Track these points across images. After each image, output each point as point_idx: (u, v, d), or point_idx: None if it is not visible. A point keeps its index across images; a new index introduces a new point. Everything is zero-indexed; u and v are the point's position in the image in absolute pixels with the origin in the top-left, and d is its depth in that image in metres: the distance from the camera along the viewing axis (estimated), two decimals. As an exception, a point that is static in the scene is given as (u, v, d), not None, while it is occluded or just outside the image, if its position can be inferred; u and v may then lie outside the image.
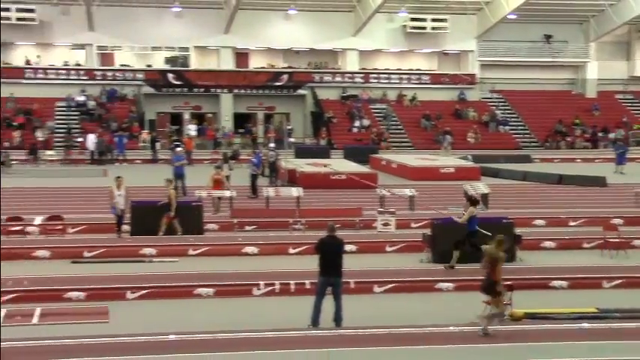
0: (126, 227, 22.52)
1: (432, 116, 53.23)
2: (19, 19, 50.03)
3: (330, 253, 14.45)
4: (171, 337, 13.40)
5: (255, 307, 16.21)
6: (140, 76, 52.39)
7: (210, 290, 16.94)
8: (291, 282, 17.30)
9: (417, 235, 21.55)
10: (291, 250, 21.00)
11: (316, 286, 14.64)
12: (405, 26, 55.24)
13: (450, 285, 17.72)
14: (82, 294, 16.39)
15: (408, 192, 27.68)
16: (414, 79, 56.29)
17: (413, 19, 55.00)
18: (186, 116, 53.33)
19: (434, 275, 18.37)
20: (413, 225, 24.53)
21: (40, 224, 23.11)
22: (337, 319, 14.34)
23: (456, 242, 18.77)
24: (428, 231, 20.83)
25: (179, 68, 53.57)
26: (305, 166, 34.87)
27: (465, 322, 14.33)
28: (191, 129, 50.12)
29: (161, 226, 22.04)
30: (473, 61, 57.12)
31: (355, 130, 51.59)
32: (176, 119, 53.23)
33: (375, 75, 55.96)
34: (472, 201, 19.69)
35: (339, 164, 36.73)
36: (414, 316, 15.30)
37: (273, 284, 17.25)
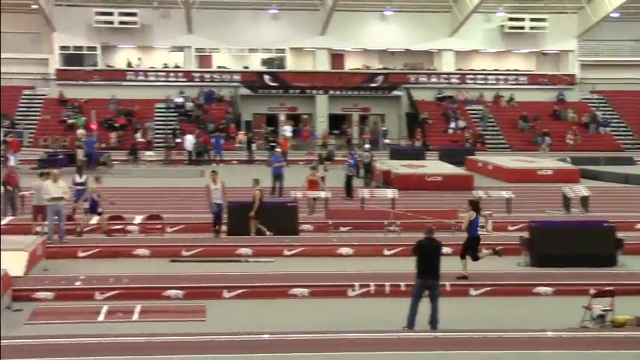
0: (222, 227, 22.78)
1: (530, 117, 52.34)
2: (121, 22, 51.42)
3: (428, 255, 14.33)
4: (266, 336, 13.48)
5: (349, 309, 16.17)
6: (237, 77, 53.10)
7: (305, 291, 16.98)
8: (386, 284, 17.20)
9: (514, 238, 21.17)
10: (386, 252, 20.89)
11: (413, 288, 14.53)
12: (502, 26, 54.52)
13: (549, 289, 17.33)
14: (180, 292, 16.65)
15: (504, 194, 27.25)
16: (512, 79, 55.48)
17: (511, 19, 54.27)
18: (282, 117, 53.79)
19: (532, 279, 18.00)
20: (510, 228, 24.12)
21: (140, 223, 23.60)
22: (433, 322, 14.20)
23: (462, 252, 18.05)
24: (525, 234, 20.46)
25: (275, 70, 54.08)
26: (400, 167, 34.70)
27: (563, 327, 14.01)
28: (286, 130, 50.49)
29: (251, 226, 22.22)
30: (573, 61, 55.95)
31: (451, 131, 51.12)
32: (272, 120, 53.75)
33: (471, 76, 55.38)
34: (473, 205, 19.03)
35: (435, 166, 36.44)
36: (510, 321, 15.03)
37: (368, 286, 17.18)
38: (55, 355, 12.63)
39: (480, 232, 18.49)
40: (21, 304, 15.85)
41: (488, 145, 49.48)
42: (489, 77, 55.48)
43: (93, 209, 22.79)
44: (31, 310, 15.61)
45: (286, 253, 20.78)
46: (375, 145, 47.06)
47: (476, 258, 17.87)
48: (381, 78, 53.72)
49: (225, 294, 16.78)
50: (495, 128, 52.06)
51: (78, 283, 16.98)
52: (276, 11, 52.92)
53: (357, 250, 21.01)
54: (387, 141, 50.09)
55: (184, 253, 20.59)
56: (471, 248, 17.96)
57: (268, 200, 26.60)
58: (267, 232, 22.13)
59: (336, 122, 53.80)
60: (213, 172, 23.16)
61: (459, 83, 54.92)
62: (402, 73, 54.61)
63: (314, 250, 20.96)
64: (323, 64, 54.50)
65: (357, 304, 16.54)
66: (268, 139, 47.75)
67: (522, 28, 54.34)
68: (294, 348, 12.96)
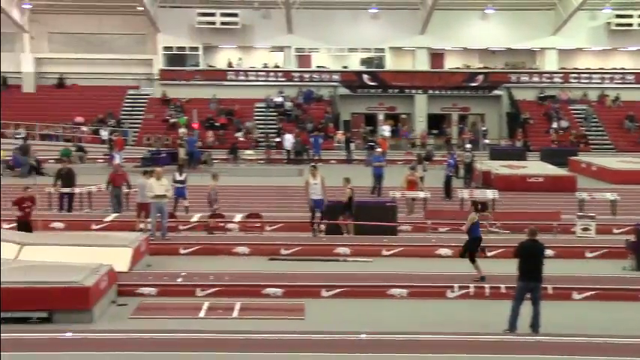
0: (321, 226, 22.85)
1: (637, 117, 50.82)
2: (223, 23, 52.16)
3: (530, 257, 14.07)
4: (363, 336, 13.47)
5: (448, 310, 16.02)
6: (336, 77, 53.21)
7: (404, 291, 16.90)
8: (486, 285, 16.98)
9: (620, 242, 20.61)
10: (487, 253, 20.60)
11: (514, 290, 14.29)
12: (609, 23, 53.10)
13: (657, 295, 16.82)
14: (279, 290, 16.78)
15: (609, 196, 26.55)
16: (617, 78, 53.94)
17: (618, 16, 52.78)
18: (381, 117, 53.66)
19: (638, 284, 17.48)
20: (615, 231, 23.49)
21: (239, 221, 23.89)
22: (534, 325, 13.94)
23: (470, 256, 17.65)
24: (631, 237, 19.89)
25: (374, 69, 53.98)
26: (500, 168, 34.19)
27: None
28: (385, 130, 50.33)
29: (343, 226, 22.22)
30: (684, 58, 54.09)
31: (553, 131, 50.06)
32: (370, 120, 53.67)
33: (575, 75, 54.08)
34: (475, 206, 18.53)
35: (536, 167, 35.77)
36: (614, 326, 14.64)
37: (467, 287, 16.99)
38: (158, 349, 12.89)
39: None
40: (125, 299, 16.26)
41: (592, 146, 48.25)
42: (594, 76, 54.05)
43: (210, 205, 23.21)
44: (135, 304, 15.99)
45: (385, 253, 20.72)
46: (475, 145, 46.44)
47: (473, 260, 17.49)
48: (481, 77, 53.00)
49: (324, 293, 16.84)
50: (600, 128, 50.73)
51: (180, 280, 17.30)
52: (376, 11, 52.83)
53: (456, 251, 20.68)
54: (486, 141, 49.40)
55: (283, 251, 20.75)
56: (471, 249, 17.64)
57: (368, 200, 26.63)
58: (346, 234, 22.11)
59: (435, 122, 53.37)
60: (313, 166, 23.17)
61: (561, 82, 53.71)
62: (503, 73, 53.75)
63: (412, 251, 20.84)
64: (422, 64, 54.14)
65: (456, 306, 16.38)
66: (367, 138, 47.71)
67: (630, 25, 52.78)
68: (391, 348, 12.90)
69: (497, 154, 42.97)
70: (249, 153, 45.33)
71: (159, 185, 21.13)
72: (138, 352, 12.76)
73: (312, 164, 23.66)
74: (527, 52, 54.74)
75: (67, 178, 26.30)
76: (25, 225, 20.25)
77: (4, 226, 20.94)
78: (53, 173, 28.24)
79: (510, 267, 14.48)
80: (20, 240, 18.37)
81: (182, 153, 41.75)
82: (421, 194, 26.20)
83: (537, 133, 49.74)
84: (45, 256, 17.04)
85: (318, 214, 22.07)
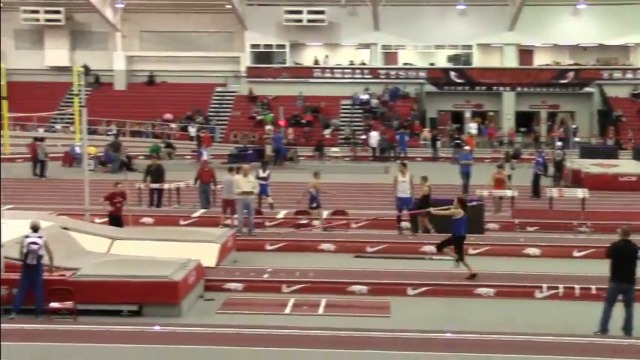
0: (406, 224, 22.73)
1: None
2: (309, 20, 52.33)
3: (623, 258, 13.70)
4: (448, 335, 13.35)
5: (537, 310, 15.73)
6: (422, 74, 52.90)
7: (491, 290, 16.67)
8: (576, 286, 16.61)
9: None
10: (576, 254, 20.18)
11: (606, 291, 13.95)
12: None
13: None
14: (364, 288, 16.74)
15: None
16: None
17: None
18: (467, 114, 53.13)
19: None
20: None
21: (325, 218, 23.91)
22: (627, 328, 13.58)
23: (457, 254, 17.41)
24: None
25: (461, 66, 53.47)
26: (591, 166, 33.46)
27: None
28: (472, 127, 49.81)
29: (419, 224, 21.99)
30: None
31: (646, 129, 48.78)
32: (457, 117, 53.18)
33: (671, 71, 52.59)
34: (462, 202, 17.90)
35: (629, 165, 34.90)
36: None
37: (556, 288, 16.66)
38: (244, 344, 13.00)
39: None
40: (213, 294, 16.45)
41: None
42: (691, 72, 52.48)
43: (312, 203, 23.23)
44: (222, 299, 16.17)
45: (471, 251, 20.41)
46: (566, 143, 45.56)
47: (461, 258, 17.31)
48: (571, 74, 51.96)
49: (410, 291, 16.74)
50: (696, 126, 49.23)
51: (266, 276, 17.42)
52: (464, 7, 52.29)
53: (544, 251, 20.42)
54: (576, 139, 48.41)
55: (369, 249, 20.70)
56: (457, 247, 17.42)
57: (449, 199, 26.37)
58: (432, 230, 21.87)
59: (523, 119, 52.56)
60: (403, 164, 23.03)
61: (656, 79, 52.31)
62: (594, 69, 52.60)
63: (499, 250, 20.56)
64: (511, 61, 53.37)
65: (545, 307, 16.07)
66: (453, 136, 47.29)
67: None
68: (477, 348, 12.75)
69: (587, 152, 42.02)
70: (335, 150, 45.42)
71: (246, 182, 21.31)
72: (224, 347, 12.89)
73: (402, 162, 23.51)
74: (620, 47, 53.45)
75: (156, 174, 26.76)
76: (116, 220, 20.67)
77: (97, 220, 21.44)
78: (143, 169, 28.77)
79: (602, 268, 14.13)
80: (111, 234, 18.77)
81: (268, 150, 42.11)
82: (508, 193, 25.82)
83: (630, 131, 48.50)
84: (135, 251, 17.39)
85: (405, 212, 21.94)
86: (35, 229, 14.97)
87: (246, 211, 21.35)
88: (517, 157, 38.32)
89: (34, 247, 14.60)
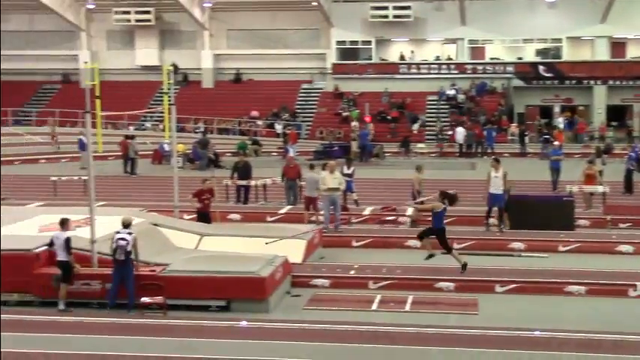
0: (493, 220, 22.41)
1: None
2: (395, 16, 52.13)
3: None
4: (537, 333, 13.14)
5: (630, 309, 15.32)
6: (510, 69, 52.17)
7: (582, 288, 16.31)
8: (673, 286, 16.16)
9: None
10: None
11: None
12: None
13: None
14: (451, 284, 16.59)
15: None
16: None
17: None
18: (556, 109, 52.17)
19: None
20: None
21: (411, 215, 23.73)
22: None
23: (445, 248, 17.03)
24: None
25: (551, 60, 52.52)
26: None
27: None
28: (561, 122, 48.91)
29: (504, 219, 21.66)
30: None
31: None
32: (545, 112, 52.27)
33: None
34: (447, 197, 17.34)
35: None
36: None
37: (651, 286, 16.23)
38: (330, 340, 13.03)
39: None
40: (299, 290, 16.54)
41: None
42: None
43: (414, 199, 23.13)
44: (309, 295, 16.24)
45: (561, 248, 20.12)
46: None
47: (449, 250, 17.05)
48: (667, 67, 50.55)
49: (498, 288, 16.52)
50: None
51: (352, 272, 17.42)
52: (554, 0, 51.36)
53: (638, 248, 19.90)
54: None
55: (455, 245, 20.42)
56: (440, 240, 17.07)
57: (543, 195, 25.94)
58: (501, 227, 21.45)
59: (615, 114, 51.33)
60: (496, 159, 22.49)
61: None
62: (691, 61, 51.09)
63: (591, 247, 20.12)
64: (602, 53, 52.18)
65: (639, 306, 15.66)
66: (542, 131, 46.48)
67: None
68: (567, 347, 12.52)
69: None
70: (421, 146, 45.16)
71: (332, 178, 21.33)
72: (311, 343, 12.95)
73: (495, 157, 23.04)
74: None
75: (243, 171, 27.04)
76: (204, 216, 20.96)
77: (185, 217, 21.79)
78: (230, 166, 29.10)
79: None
80: (200, 231, 19.05)
81: (354, 146, 42.13)
82: (600, 188, 25.24)
83: None
84: (223, 247, 17.60)
85: (495, 209, 21.57)
86: (126, 225, 15.30)
87: (332, 207, 21.38)
88: (608, 152, 37.46)
89: (122, 242, 14.93)
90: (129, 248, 14.92)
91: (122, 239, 14.96)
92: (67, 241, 15.02)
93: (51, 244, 15.31)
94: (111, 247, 15.07)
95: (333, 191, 21.25)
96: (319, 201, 21.90)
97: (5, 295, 15.25)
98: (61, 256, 15.03)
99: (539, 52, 53.71)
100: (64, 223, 15.44)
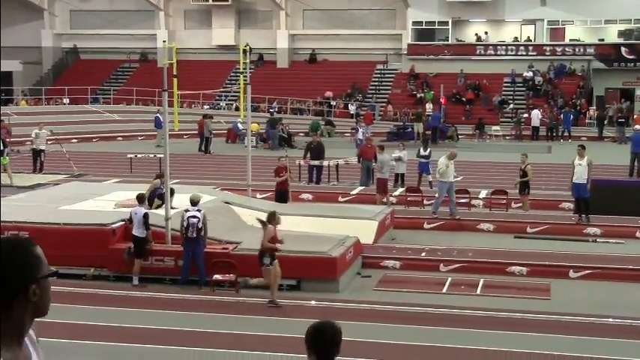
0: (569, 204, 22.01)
1: None
2: (473, -4, 51.39)
3: None
4: (610, 320, 12.90)
5: None
6: (590, 50, 50.94)
7: (661, 276, 15.95)
8: None
9: None
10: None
11: None
12: None
13: None
14: (524, 269, 16.37)
15: None
16: None
17: None
18: (638, 92, 50.84)
19: None
20: None
21: (485, 198, 23.52)
22: None
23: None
24: None
25: (634, 41, 51.13)
26: None
27: None
28: (643, 105, 47.73)
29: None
30: None
31: None
32: (626, 95, 51.00)
33: None
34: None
35: None
36: None
37: None
38: (401, 322, 13.00)
39: None
40: (370, 271, 16.52)
41: None
42: None
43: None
44: (379, 277, 16.21)
45: (638, 235, 19.65)
46: None
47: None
48: None
49: (572, 274, 16.25)
50: None
51: (423, 254, 17.33)
52: (637, -21, 49.98)
53: None
54: None
55: (529, 230, 20.22)
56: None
57: (622, 179, 25.39)
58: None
59: None
60: (581, 146, 21.51)
61: None
62: None
63: (670, 233, 19.63)
64: (691, 34, 50.60)
65: None
66: (617, 115, 45.31)
67: None
68: (639, 335, 12.28)
69: None
70: (496, 129, 44.57)
71: (453, 165, 20.63)
72: (380, 324, 12.94)
73: (580, 144, 21.91)
74: None
75: (316, 151, 27.07)
76: (282, 194, 21.14)
77: (258, 196, 21.95)
78: (303, 146, 29.16)
79: None
80: (272, 210, 19.14)
81: (419, 128, 41.73)
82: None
83: None
84: (294, 226, 17.64)
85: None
86: (194, 202, 15.45)
87: (446, 195, 20.85)
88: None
89: (194, 220, 15.08)
90: (200, 225, 15.08)
91: (193, 217, 15.11)
92: (146, 216, 15.26)
93: (130, 219, 15.57)
94: (181, 225, 15.23)
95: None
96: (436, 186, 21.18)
97: (82, 270, 15.60)
98: (137, 232, 15.28)
99: (621, 34, 52.29)
100: (141, 199, 15.69)
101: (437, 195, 21.13)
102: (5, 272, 2.64)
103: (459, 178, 22.79)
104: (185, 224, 15.12)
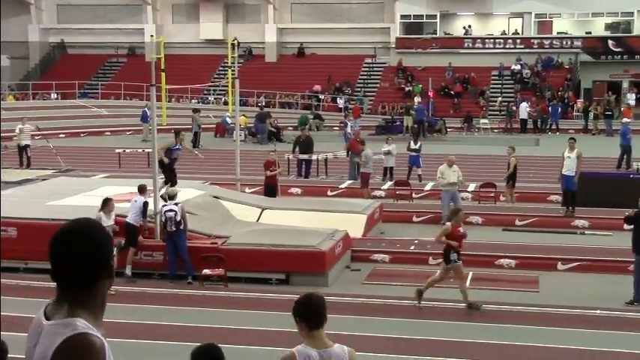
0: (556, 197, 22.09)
1: None
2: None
3: None
4: (598, 312, 12.97)
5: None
6: (577, 43, 51.06)
7: (647, 268, 15.99)
8: None
9: None
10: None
11: None
12: None
13: None
14: (512, 262, 16.44)
15: None
16: None
17: None
18: (625, 85, 51.03)
19: None
20: None
21: (473, 191, 23.58)
22: None
23: None
24: None
25: (621, 34, 51.28)
26: None
27: None
28: (630, 98, 47.85)
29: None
30: None
31: None
32: (613, 88, 51.15)
33: None
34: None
35: None
36: None
37: None
38: (390, 315, 13.03)
39: None
40: (359, 265, 16.54)
41: None
42: None
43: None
44: (368, 270, 16.23)
45: (627, 227, 19.68)
46: None
47: None
48: None
49: (560, 266, 16.33)
50: None
51: (413, 248, 17.36)
52: (624, -28, 50.10)
53: None
54: None
55: (517, 222, 20.29)
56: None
57: (610, 172, 25.49)
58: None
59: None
60: (572, 138, 21.55)
61: None
62: None
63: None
64: (675, 27, 50.78)
65: None
66: (605, 107, 45.45)
67: None
68: (627, 326, 12.34)
69: None
70: (484, 122, 44.64)
71: (451, 172, 20.25)
72: (370, 317, 12.96)
73: (571, 137, 21.90)
74: None
75: (305, 144, 27.07)
76: (271, 189, 21.15)
77: (247, 190, 21.94)
78: (292, 140, 29.15)
79: None
80: (261, 204, 19.18)
81: (407, 122, 41.76)
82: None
83: None
84: (283, 220, 17.68)
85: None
86: (172, 197, 15.51)
87: (452, 203, 20.63)
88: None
89: (171, 214, 15.10)
90: (178, 219, 15.06)
91: (170, 211, 15.12)
92: (145, 204, 15.28)
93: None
94: (160, 220, 15.24)
95: (453, 186, 20.17)
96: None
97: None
98: (132, 219, 15.25)
99: (608, 27, 52.45)
100: (143, 190, 15.71)
101: (441, 203, 20.40)
102: (95, 248, 2.81)
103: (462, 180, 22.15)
104: (163, 219, 15.13)
